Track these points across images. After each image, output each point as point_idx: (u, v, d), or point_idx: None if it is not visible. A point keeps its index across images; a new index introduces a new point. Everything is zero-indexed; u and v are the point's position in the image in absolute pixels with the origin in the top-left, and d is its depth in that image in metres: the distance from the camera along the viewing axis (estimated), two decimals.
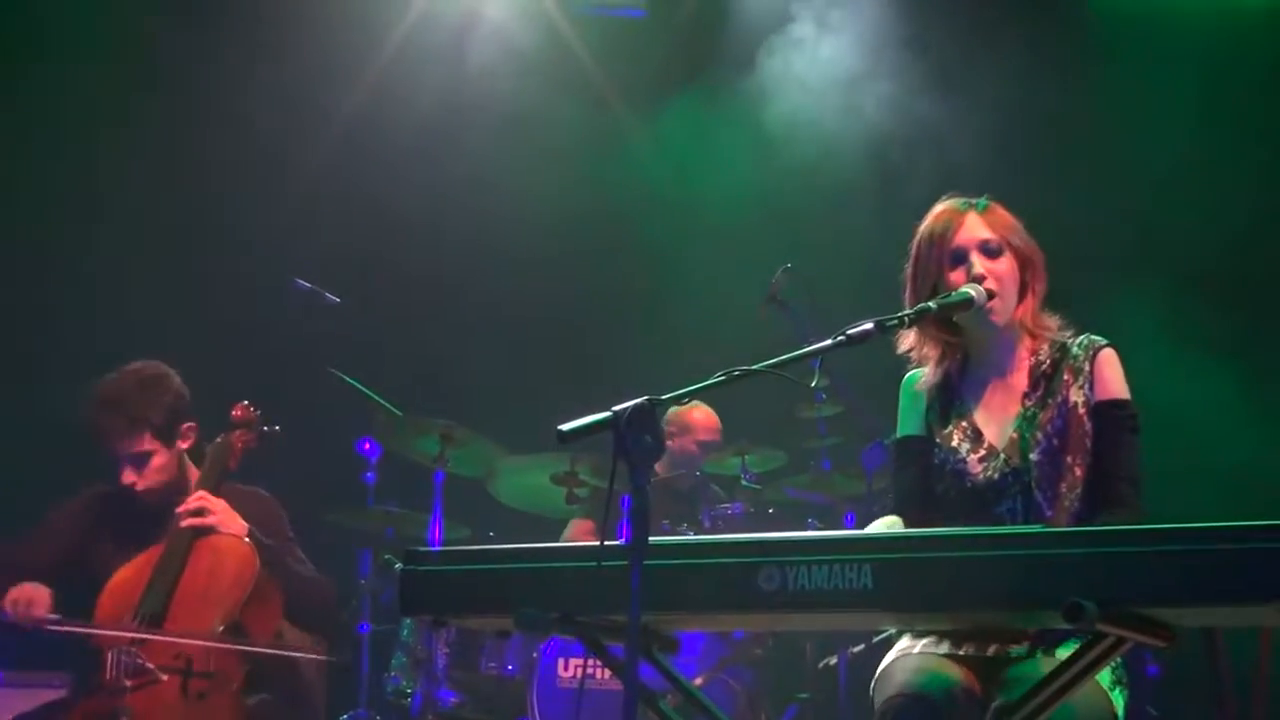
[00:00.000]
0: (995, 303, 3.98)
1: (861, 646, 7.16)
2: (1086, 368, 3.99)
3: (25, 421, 7.64)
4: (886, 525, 3.85)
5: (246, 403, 5.79)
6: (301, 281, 7.13)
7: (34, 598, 5.18)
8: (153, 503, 5.52)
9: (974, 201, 4.13)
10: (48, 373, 7.95)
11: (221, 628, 5.17)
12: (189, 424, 5.61)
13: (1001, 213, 4.12)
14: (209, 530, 5.39)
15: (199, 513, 5.40)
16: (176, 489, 5.53)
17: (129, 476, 5.47)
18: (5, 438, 7.57)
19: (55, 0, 8.57)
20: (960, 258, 4.04)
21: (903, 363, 4.23)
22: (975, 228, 4.06)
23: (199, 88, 8.84)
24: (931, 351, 4.14)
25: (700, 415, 8.14)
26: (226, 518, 5.43)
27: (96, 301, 8.31)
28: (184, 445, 5.60)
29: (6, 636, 5.52)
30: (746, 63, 9.34)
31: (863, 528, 4.00)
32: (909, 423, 4.18)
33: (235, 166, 8.80)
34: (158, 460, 5.50)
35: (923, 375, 4.17)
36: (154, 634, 5.13)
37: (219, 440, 5.67)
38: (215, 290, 8.62)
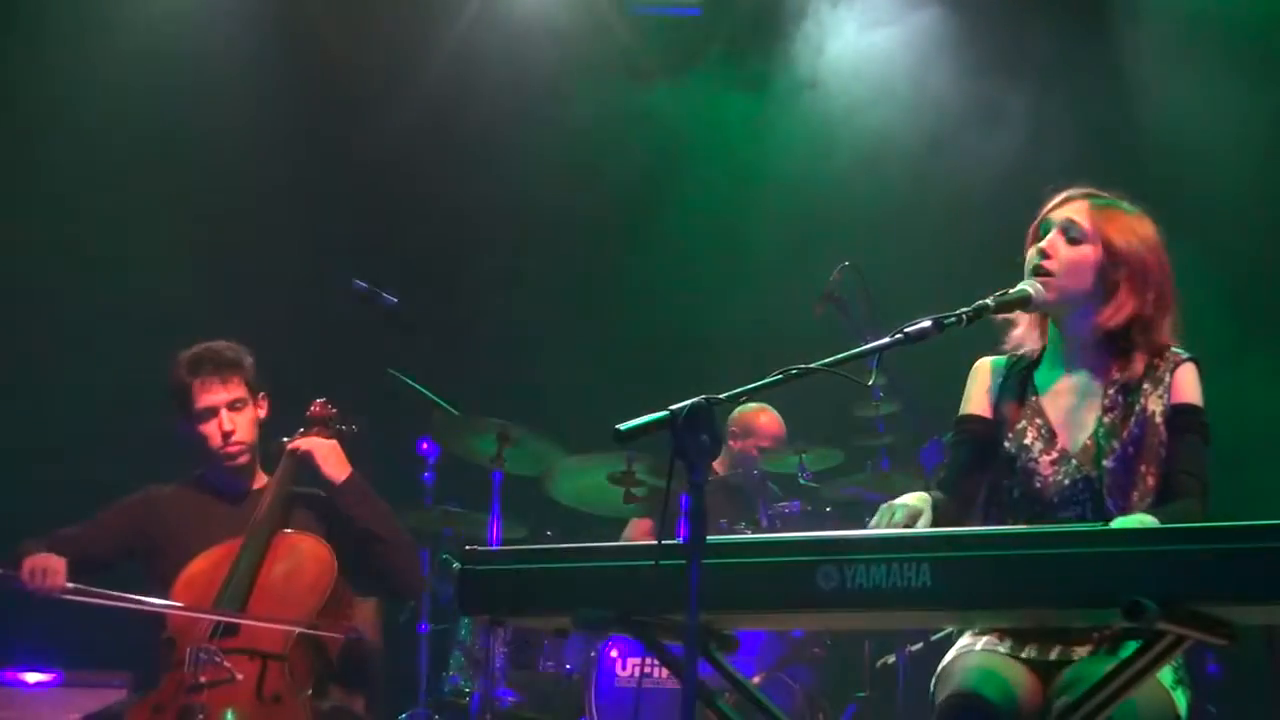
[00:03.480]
0: (1048, 280, 3.93)
1: (920, 645, 7.14)
2: (1167, 378, 3.94)
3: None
4: (917, 500, 3.81)
5: (324, 400, 5.71)
6: (360, 282, 7.15)
7: (50, 565, 5.11)
8: (229, 482, 5.55)
9: (1098, 194, 4.06)
10: (97, 369, 8.07)
11: (298, 631, 5.14)
12: (266, 396, 5.63)
13: (1119, 215, 4.02)
14: (289, 526, 5.37)
15: (309, 455, 5.45)
16: (252, 472, 5.55)
17: (227, 423, 5.46)
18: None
19: None
20: (1045, 230, 4.01)
21: (960, 360, 4.21)
22: (1074, 210, 4.00)
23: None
24: (1024, 339, 4.12)
25: (766, 420, 8.14)
26: (334, 459, 5.48)
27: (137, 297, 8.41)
28: (261, 412, 5.59)
29: (65, 637, 5.55)
30: (801, 55, 9.35)
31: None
32: (975, 403, 4.14)
33: (290, 166, 8.87)
34: (250, 414, 5.53)
35: (1000, 361, 4.15)
36: (220, 616, 5.08)
37: (297, 437, 5.59)
38: (273, 290, 8.67)
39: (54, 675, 6.27)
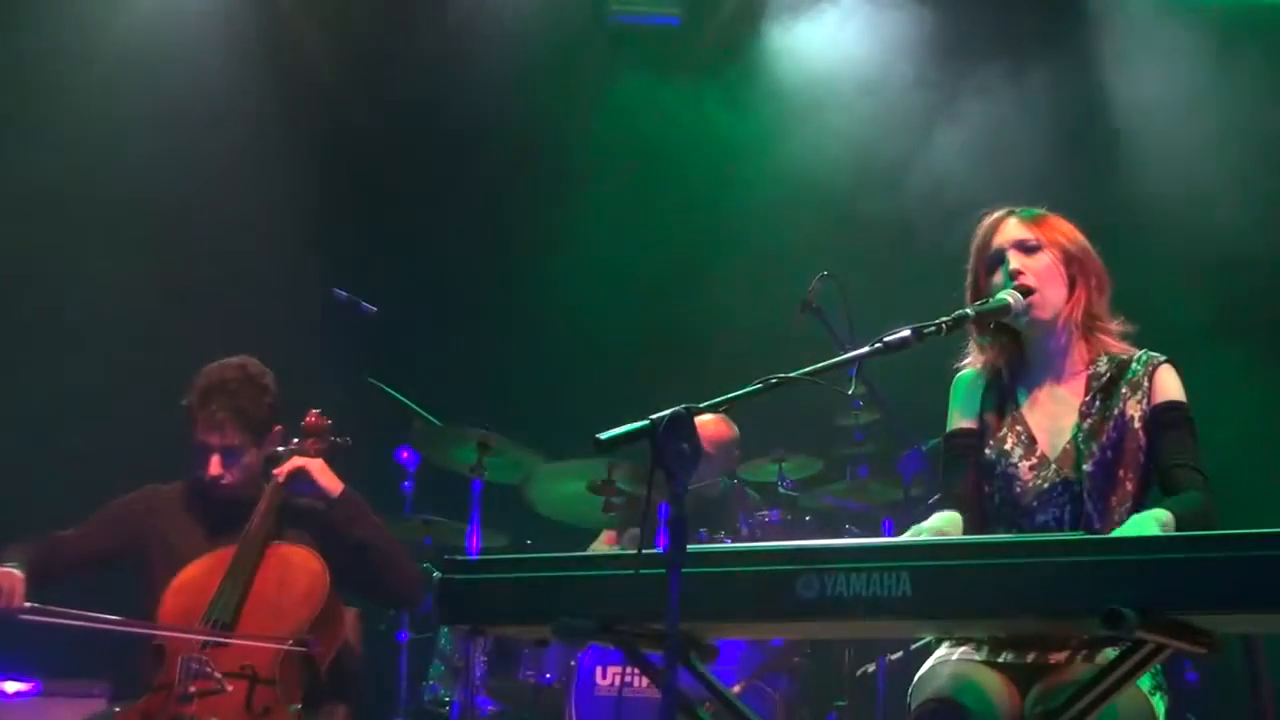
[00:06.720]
0: (1035, 299, 3.98)
1: (900, 654, 7.14)
2: (1145, 383, 3.97)
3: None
4: (944, 522, 3.83)
5: (319, 411, 5.68)
6: (340, 291, 7.15)
7: (6, 584, 5.02)
8: (226, 500, 5.48)
9: (1021, 209, 4.13)
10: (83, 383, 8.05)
11: (290, 643, 5.12)
12: (279, 427, 5.58)
13: (1050, 219, 4.11)
14: (282, 538, 5.34)
15: (300, 473, 5.41)
16: (254, 491, 5.48)
17: (215, 468, 5.41)
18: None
19: None
20: (998, 259, 4.04)
21: (938, 369, 4.23)
22: (1014, 230, 4.07)
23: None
24: (989, 350, 4.14)
25: (705, 421, 8.08)
26: (325, 475, 5.45)
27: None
28: (270, 448, 5.55)
29: (43, 644, 5.52)
30: (778, 62, 9.37)
31: (900, 534, 3.97)
32: (962, 417, 4.17)
33: (259, 176, 8.87)
34: (247, 458, 5.46)
35: (977, 373, 4.16)
36: (212, 637, 5.06)
37: (291, 447, 5.58)
38: (250, 296, 8.65)
39: (32, 685, 6.24)
